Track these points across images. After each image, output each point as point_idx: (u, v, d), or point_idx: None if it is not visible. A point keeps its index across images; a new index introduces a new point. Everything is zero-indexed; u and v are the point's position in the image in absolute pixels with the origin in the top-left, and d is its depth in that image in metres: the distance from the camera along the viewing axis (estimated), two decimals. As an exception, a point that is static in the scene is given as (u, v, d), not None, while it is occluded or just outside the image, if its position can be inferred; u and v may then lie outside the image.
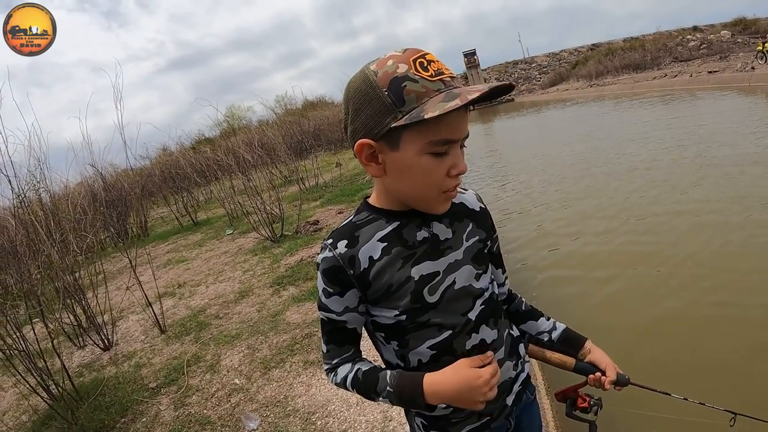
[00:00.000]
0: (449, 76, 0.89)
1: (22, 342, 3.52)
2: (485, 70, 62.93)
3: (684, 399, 1.36)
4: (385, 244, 1.00)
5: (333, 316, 1.03)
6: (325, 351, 1.10)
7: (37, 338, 3.71)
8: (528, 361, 1.22)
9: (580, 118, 20.18)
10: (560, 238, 5.84)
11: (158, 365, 4.01)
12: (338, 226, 1.04)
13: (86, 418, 3.32)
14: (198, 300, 5.52)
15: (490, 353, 1.04)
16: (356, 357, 1.10)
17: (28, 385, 3.40)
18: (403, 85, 0.85)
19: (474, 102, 0.84)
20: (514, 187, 9.32)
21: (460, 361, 1.01)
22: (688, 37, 37.89)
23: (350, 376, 1.05)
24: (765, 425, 1.44)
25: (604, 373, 1.18)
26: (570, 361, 1.21)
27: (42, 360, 3.52)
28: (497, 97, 0.91)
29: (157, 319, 4.71)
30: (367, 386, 1.03)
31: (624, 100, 22.47)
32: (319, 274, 1.02)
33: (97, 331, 4.58)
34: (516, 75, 62.31)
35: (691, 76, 23.37)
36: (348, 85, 0.94)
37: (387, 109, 0.87)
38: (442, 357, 1.03)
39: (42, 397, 3.42)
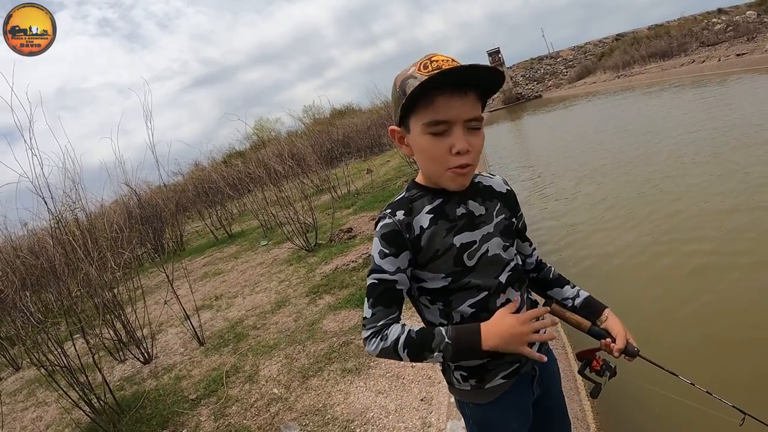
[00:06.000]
0: (448, 70, 1.06)
1: (63, 358, 3.58)
2: (510, 67, 62.15)
3: (691, 384, 1.36)
4: (432, 215, 1.18)
5: (386, 275, 1.16)
6: (369, 316, 1.18)
7: (78, 354, 3.76)
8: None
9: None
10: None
11: (198, 377, 4.01)
12: (393, 200, 1.22)
13: (128, 430, 3.34)
14: (235, 311, 5.54)
15: (517, 298, 1.23)
16: (400, 320, 1.21)
17: (70, 400, 3.45)
18: (407, 82, 1.09)
19: (453, 78, 1.05)
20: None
21: (501, 310, 1.17)
22: (714, 20, 36.35)
23: (403, 336, 1.14)
24: None
25: (614, 340, 1.28)
26: (586, 323, 1.32)
27: (83, 375, 3.56)
28: (489, 80, 1.09)
29: (195, 331, 4.73)
30: (421, 343, 1.13)
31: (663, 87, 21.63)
32: (376, 239, 1.18)
33: (137, 345, 4.64)
34: (542, 71, 61.49)
35: (720, 60, 22.47)
36: None
37: (399, 101, 1.12)
38: (481, 314, 1.19)
39: (84, 411, 3.46)
